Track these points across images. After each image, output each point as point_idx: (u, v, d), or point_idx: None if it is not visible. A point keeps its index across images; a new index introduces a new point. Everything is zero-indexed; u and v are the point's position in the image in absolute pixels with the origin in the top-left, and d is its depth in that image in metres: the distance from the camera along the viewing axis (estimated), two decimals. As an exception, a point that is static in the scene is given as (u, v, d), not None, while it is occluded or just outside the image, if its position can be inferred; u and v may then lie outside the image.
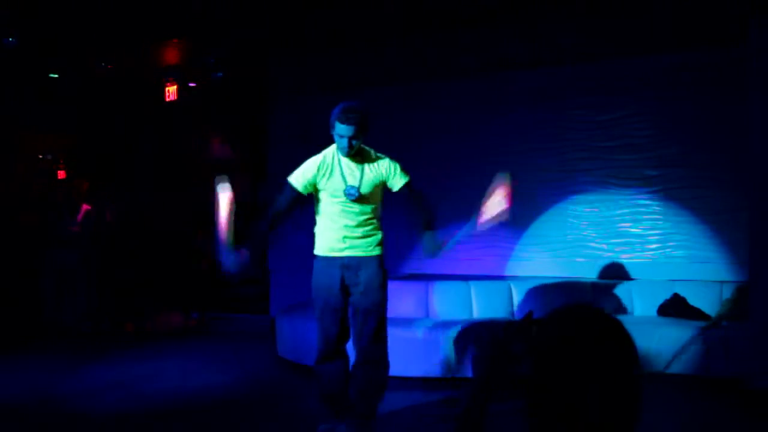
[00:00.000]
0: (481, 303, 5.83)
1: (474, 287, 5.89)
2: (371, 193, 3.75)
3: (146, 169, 9.05)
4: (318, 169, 3.72)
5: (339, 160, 3.72)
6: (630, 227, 6.01)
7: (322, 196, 3.76)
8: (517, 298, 5.82)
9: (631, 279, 5.89)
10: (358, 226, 3.77)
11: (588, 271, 6.07)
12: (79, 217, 7.36)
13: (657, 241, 5.92)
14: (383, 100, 6.71)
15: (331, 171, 3.72)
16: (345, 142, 3.60)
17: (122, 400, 4.68)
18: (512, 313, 5.80)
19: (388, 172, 3.75)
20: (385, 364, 3.84)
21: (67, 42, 6.89)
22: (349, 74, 7.01)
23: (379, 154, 3.79)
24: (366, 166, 3.73)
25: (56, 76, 7.59)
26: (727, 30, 5.38)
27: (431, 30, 6.52)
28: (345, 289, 3.78)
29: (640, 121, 5.96)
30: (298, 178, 3.74)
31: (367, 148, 3.78)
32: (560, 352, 1.10)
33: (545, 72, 6.27)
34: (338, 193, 3.70)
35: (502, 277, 6.25)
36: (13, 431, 4.18)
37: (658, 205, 5.92)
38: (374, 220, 3.83)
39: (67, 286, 7.31)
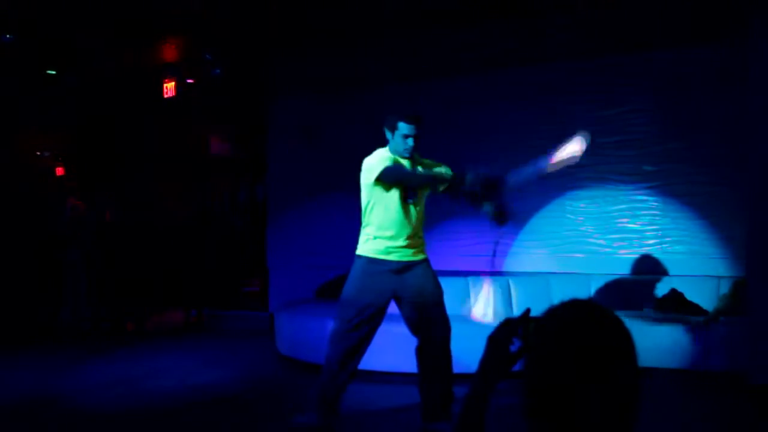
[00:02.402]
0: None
1: (472, 283, 5.89)
2: (422, 195, 3.72)
3: (145, 165, 9.04)
4: None
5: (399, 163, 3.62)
6: (628, 222, 6.02)
7: (384, 197, 3.59)
8: (515, 293, 5.83)
9: (629, 274, 5.90)
10: (418, 227, 3.72)
11: (586, 267, 6.08)
12: (67, 212, 7.31)
13: (655, 237, 5.93)
14: (383, 97, 6.70)
15: None
16: (411, 141, 3.54)
17: (123, 398, 4.68)
18: (511, 309, 5.80)
19: (441, 167, 3.67)
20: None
21: (66, 39, 6.88)
22: (348, 71, 7.00)
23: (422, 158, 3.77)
24: (417, 168, 3.66)
25: (54, 72, 7.58)
26: (727, 26, 5.38)
27: (431, 27, 6.51)
28: (397, 294, 3.69)
29: (638, 116, 5.97)
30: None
31: None
32: (558, 349, 1.11)
33: (544, 68, 6.26)
34: (403, 195, 3.60)
35: (500, 273, 6.25)
36: (13, 431, 4.18)
37: (656, 201, 5.93)
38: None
39: (66, 285, 7.31)
